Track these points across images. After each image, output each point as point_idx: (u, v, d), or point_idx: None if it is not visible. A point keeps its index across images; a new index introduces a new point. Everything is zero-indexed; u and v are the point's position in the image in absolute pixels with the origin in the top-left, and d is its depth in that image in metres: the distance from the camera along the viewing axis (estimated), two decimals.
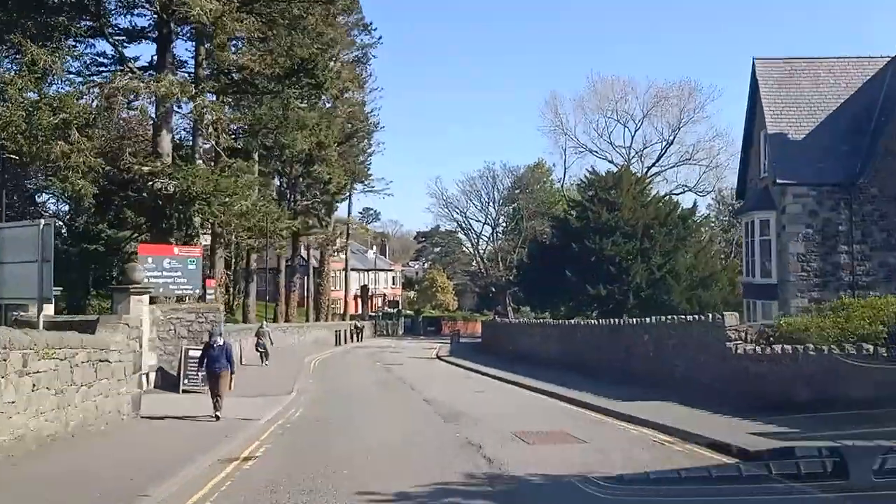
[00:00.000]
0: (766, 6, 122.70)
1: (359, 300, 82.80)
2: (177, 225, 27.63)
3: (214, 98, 29.72)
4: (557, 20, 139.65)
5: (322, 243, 60.08)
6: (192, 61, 30.16)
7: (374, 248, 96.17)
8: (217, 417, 14.69)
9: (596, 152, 68.50)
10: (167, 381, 20.77)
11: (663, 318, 20.80)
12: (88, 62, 28.58)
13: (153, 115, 28.05)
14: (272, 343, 32.92)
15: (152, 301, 21.70)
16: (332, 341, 53.12)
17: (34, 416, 10.26)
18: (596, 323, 27.32)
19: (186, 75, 29.28)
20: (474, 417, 15.61)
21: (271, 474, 9.84)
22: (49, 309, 17.41)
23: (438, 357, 41.12)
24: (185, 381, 20.28)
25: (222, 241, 38.80)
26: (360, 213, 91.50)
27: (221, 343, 15.13)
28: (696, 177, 67.91)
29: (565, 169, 76.49)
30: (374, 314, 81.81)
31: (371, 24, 52.64)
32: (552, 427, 13.91)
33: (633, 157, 66.98)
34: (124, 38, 28.88)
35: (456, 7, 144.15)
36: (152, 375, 20.57)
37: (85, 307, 32.12)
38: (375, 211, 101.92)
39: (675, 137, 66.86)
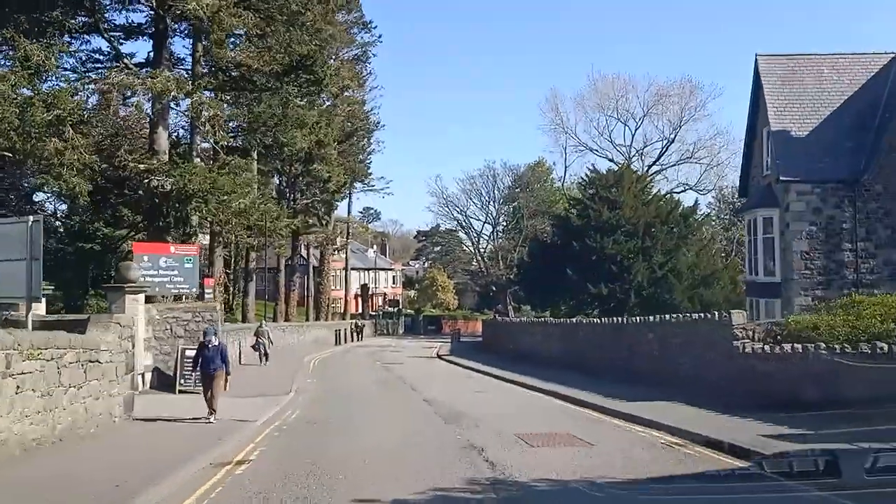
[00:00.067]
0: (766, 6, 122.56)
1: (359, 299, 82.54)
2: (174, 223, 27.27)
3: (212, 95, 29.37)
4: (557, 20, 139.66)
5: (322, 242, 59.78)
6: (189, 58, 29.83)
7: (375, 247, 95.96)
8: (212, 419, 14.34)
9: (596, 151, 68.22)
10: (163, 382, 20.48)
11: (668, 316, 20.48)
12: (84, 59, 28.31)
13: (149, 112, 27.68)
14: (272, 343, 32.61)
15: (148, 300, 21.41)
16: (332, 340, 52.87)
17: (18, 420, 9.88)
18: (598, 322, 26.98)
19: (184, 72, 28.95)
20: (475, 418, 15.26)
21: (264, 479, 9.47)
22: (41, 308, 17.10)
23: (439, 356, 40.88)
24: (182, 381, 19.99)
25: (221, 239, 38.50)
26: (361, 212, 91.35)
27: (216, 343, 14.77)
28: (697, 175, 67.69)
29: (566, 167, 76.38)
30: (374, 313, 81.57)
31: (371, 22, 52.43)
32: (556, 428, 13.52)
33: (634, 155, 66.70)
34: (120, 34, 28.55)
35: (456, 7, 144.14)
36: (148, 376, 20.27)
37: (83, 307, 31.79)
38: (376, 210, 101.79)
39: (675, 136, 66.60)
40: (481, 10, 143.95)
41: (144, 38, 29.06)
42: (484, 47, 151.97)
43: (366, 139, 60.53)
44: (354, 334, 59.29)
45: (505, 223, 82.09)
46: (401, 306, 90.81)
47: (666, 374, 18.74)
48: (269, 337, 32.25)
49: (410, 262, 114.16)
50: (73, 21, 26.05)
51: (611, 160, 64.47)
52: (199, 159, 30.03)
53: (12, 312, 17.54)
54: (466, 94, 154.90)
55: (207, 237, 38.61)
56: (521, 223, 75.72)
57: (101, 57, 28.34)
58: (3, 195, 35.09)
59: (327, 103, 46.07)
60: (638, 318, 22.47)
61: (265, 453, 11.53)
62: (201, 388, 14.97)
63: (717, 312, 17.60)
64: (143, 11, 28.01)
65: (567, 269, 45.13)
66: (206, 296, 29.22)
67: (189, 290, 23.72)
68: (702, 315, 18.60)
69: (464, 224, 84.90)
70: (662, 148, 67.46)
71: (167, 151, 27.54)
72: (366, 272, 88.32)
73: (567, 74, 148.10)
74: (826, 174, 26.20)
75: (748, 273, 30.96)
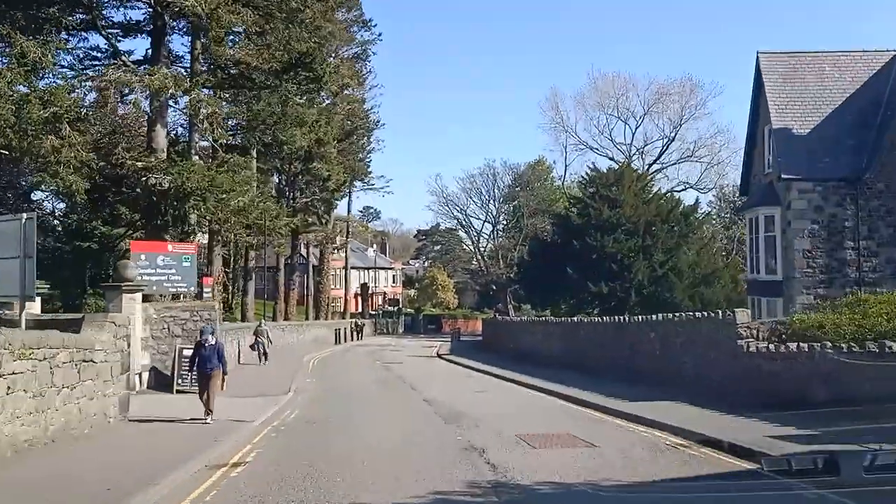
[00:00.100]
0: (766, 6, 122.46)
1: (359, 298, 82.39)
2: (172, 222, 27.07)
3: (211, 93, 29.17)
4: (557, 20, 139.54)
5: (322, 241, 59.61)
6: (188, 56, 29.62)
7: (375, 246, 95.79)
8: (209, 420, 14.13)
9: (597, 149, 68.01)
10: (161, 382, 20.29)
11: (670, 315, 20.28)
12: (82, 56, 28.02)
13: (147, 110, 27.48)
14: (271, 342, 32.44)
15: (146, 299, 21.22)
16: (332, 340, 52.72)
17: (9, 421, 9.66)
18: (600, 321, 26.79)
19: (182, 70, 28.73)
20: (476, 418, 15.05)
21: (260, 482, 9.25)
22: (35, 307, 16.88)
23: (439, 355, 40.77)
24: (179, 381, 19.80)
25: (220, 238, 38.31)
26: (361, 211, 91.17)
27: (213, 342, 14.54)
28: (698, 174, 67.52)
29: (566, 166, 76.04)
30: (374, 312, 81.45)
31: (371, 20, 52.23)
32: (557, 429, 13.30)
33: (634, 153, 66.50)
34: (118, 31, 28.33)
35: (456, 7, 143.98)
36: (145, 375, 20.11)
37: (81, 306, 31.63)
38: (375, 209, 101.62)
39: (676, 134, 66.43)
40: (481, 10, 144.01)
41: (143, 35, 28.89)
42: (484, 47, 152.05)
43: (365, 138, 60.37)
44: (354, 333, 59.14)
45: (505, 222, 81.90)
46: (401, 305, 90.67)
47: (668, 374, 18.57)
48: (268, 336, 32.06)
49: (410, 262, 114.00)
50: (70, 18, 25.82)
51: (611, 159, 64.36)
52: (197, 158, 29.79)
53: (6, 311, 17.30)
54: (466, 94, 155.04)
55: (206, 236, 38.44)
56: (522, 222, 75.52)
57: (99, 54, 28.13)
58: (1, 193, 34.90)
59: (327, 101, 45.93)
60: (640, 317, 22.27)
61: (262, 455, 11.31)
62: (198, 388, 14.70)
63: (720, 311, 17.40)
64: (142, 8, 27.86)
65: (567, 268, 44.96)
66: (205, 295, 29.04)
67: (187, 289, 23.53)
68: (705, 314, 18.39)
69: (464, 223, 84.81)
70: (663, 146, 67.38)
71: (165, 149, 27.33)
72: (366, 271, 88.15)
73: (567, 74, 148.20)
74: (828, 172, 26.06)
75: (749, 272, 30.82)
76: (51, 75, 24.70)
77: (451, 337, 54.89)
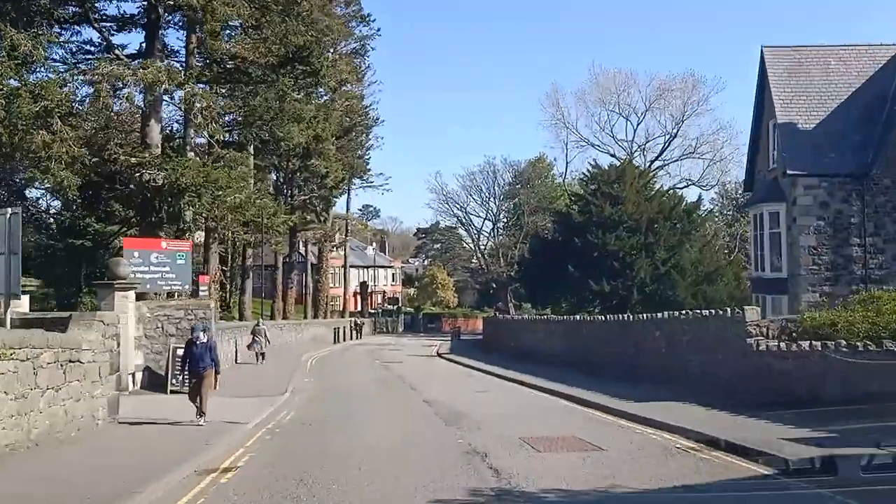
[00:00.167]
0: (766, 5, 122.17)
1: (358, 297, 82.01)
2: (167, 219, 26.68)
3: (207, 87, 28.73)
4: (558, 20, 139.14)
5: (320, 239, 59.16)
6: (184, 51, 29.20)
7: (374, 244, 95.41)
8: (201, 421, 13.64)
9: (598, 146, 67.39)
10: (154, 382, 19.88)
11: (677, 313, 19.92)
12: (75, 50, 27.78)
13: (141, 104, 27.04)
14: (269, 342, 32.02)
15: (140, 297, 20.80)
16: (331, 339, 52.35)
17: None
18: (603, 319, 26.39)
19: (178, 65, 28.30)
20: (477, 420, 14.61)
21: (250, 490, 8.76)
22: (23, 305, 16.41)
23: (439, 354, 40.45)
24: (173, 381, 19.35)
25: (216, 236, 37.86)
26: (360, 209, 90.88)
27: (205, 340, 14.06)
28: (700, 171, 66.93)
29: (567, 163, 75.41)
30: (373, 311, 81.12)
31: (369, 15, 51.57)
32: (562, 431, 12.83)
33: (636, 150, 65.87)
34: (112, 25, 27.99)
35: (456, 7, 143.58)
36: (139, 375, 19.71)
37: (77, 305, 31.14)
38: (375, 208, 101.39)
39: (678, 130, 65.75)
40: (481, 10, 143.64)
41: (137, 29, 28.55)
42: (484, 47, 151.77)
43: (364, 134, 59.88)
44: (353, 332, 58.78)
45: (505, 220, 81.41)
46: (400, 304, 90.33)
47: (674, 372, 18.22)
48: (266, 335, 31.64)
49: (410, 260, 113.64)
50: (62, 11, 25.49)
51: (612, 155, 63.82)
52: (193, 154, 29.33)
53: None
54: (466, 94, 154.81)
55: (203, 234, 37.99)
56: (522, 220, 75.05)
57: (92, 48, 27.88)
58: None
59: (325, 97, 45.46)
60: (644, 316, 21.86)
61: (255, 459, 10.81)
62: (189, 388, 14.19)
63: (729, 309, 16.97)
64: (136, 2, 27.56)
65: (568, 266, 44.47)
66: (202, 293, 28.61)
67: (181, 287, 23.10)
68: (713, 312, 17.97)
69: (464, 221, 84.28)
70: (665, 143, 66.74)
71: (160, 145, 26.94)
72: (365, 270, 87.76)
73: (567, 74, 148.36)
74: (833, 168, 25.73)
75: (753, 269, 30.48)
76: (43, 69, 24.35)
77: (451, 336, 54.50)
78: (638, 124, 66.90)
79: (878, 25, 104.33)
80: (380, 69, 71.65)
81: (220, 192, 26.76)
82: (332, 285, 67.23)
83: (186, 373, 14.31)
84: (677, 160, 67.00)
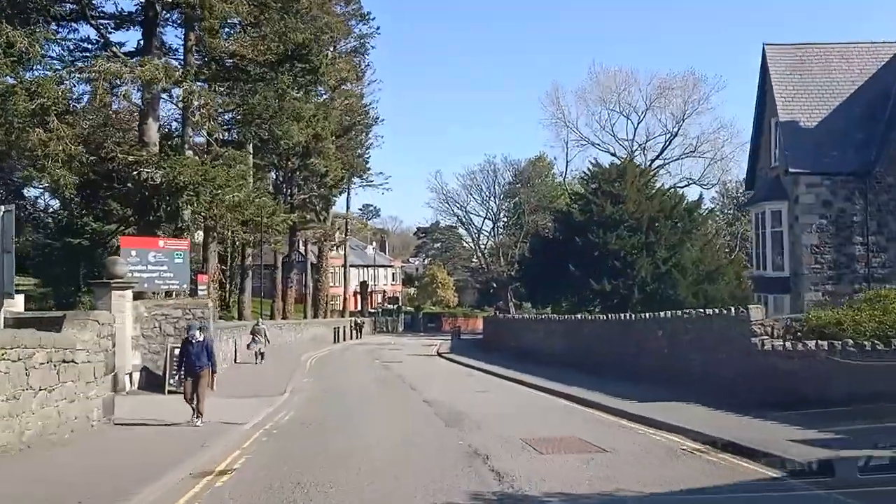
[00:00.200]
0: (766, 5, 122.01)
1: (358, 296, 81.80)
2: (165, 217, 26.44)
3: (205, 85, 28.50)
4: (558, 20, 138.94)
5: (320, 238, 58.93)
6: (182, 49, 28.97)
7: (374, 244, 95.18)
8: (198, 422, 13.44)
9: (598, 145, 67.04)
10: (152, 382, 19.69)
11: (679, 312, 19.73)
12: (72, 48, 27.40)
13: (139, 102, 26.82)
14: (268, 341, 31.84)
15: (137, 297, 20.60)
16: (331, 338, 52.17)
17: None
18: (605, 318, 26.21)
19: (176, 63, 28.08)
20: (477, 420, 14.40)
21: (246, 493, 8.55)
22: (18, 304, 16.19)
23: (439, 354, 40.29)
24: (171, 381, 19.10)
25: (215, 235, 37.65)
26: (360, 209, 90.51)
27: (201, 339, 13.84)
28: (701, 170, 66.65)
29: (567, 162, 75.09)
30: (373, 311, 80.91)
31: (369, 13, 51.28)
32: (564, 432, 12.62)
33: (637, 149, 65.48)
34: (109, 22, 27.66)
35: (456, 7, 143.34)
36: (136, 375, 19.51)
37: (75, 304, 30.95)
38: (375, 207, 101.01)
39: (679, 129, 65.40)
40: (481, 10, 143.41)
41: (135, 27, 28.19)
42: (484, 47, 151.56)
43: (364, 133, 59.63)
44: (353, 332, 58.58)
45: (506, 219, 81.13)
46: (400, 304, 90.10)
47: (675, 372, 18.04)
48: (265, 335, 31.47)
49: (410, 259, 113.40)
50: (59, 8, 25.22)
51: (613, 154, 63.49)
52: (191, 153, 29.11)
53: None
54: (466, 94, 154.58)
55: (202, 233, 37.79)
56: (522, 219, 74.78)
57: (90, 46, 27.51)
58: None
59: (325, 96, 45.24)
60: (646, 315, 21.66)
61: (251, 461, 10.60)
62: (184, 389, 13.91)
63: (733, 308, 16.74)
64: None
65: (569, 265, 44.24)
66: (200, 292, 28.42)
67: (179, 287, 22.90)
68: (716, 311, 17.78)
69: (464, 220, 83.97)
70: (665, 142, 66.40)
71: (157, 143, 26.68)
72: (365, 269, 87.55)
73: (567, 74, 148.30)
74: (836, 166, 25.56)
75: (755, 268, 30.33)
76: (39, 66, 24.05)
77: (452, 335, 54.28)
78: (638, 123, 66.64)
79: (879, 25, 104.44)
80: (380, 69, 71.40)
81: (219, 191, 26.51)
82: (331, 285, 67.02)
83: (182, 372, 14.01)
84: (678, 159, 66.77)
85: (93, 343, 12.55)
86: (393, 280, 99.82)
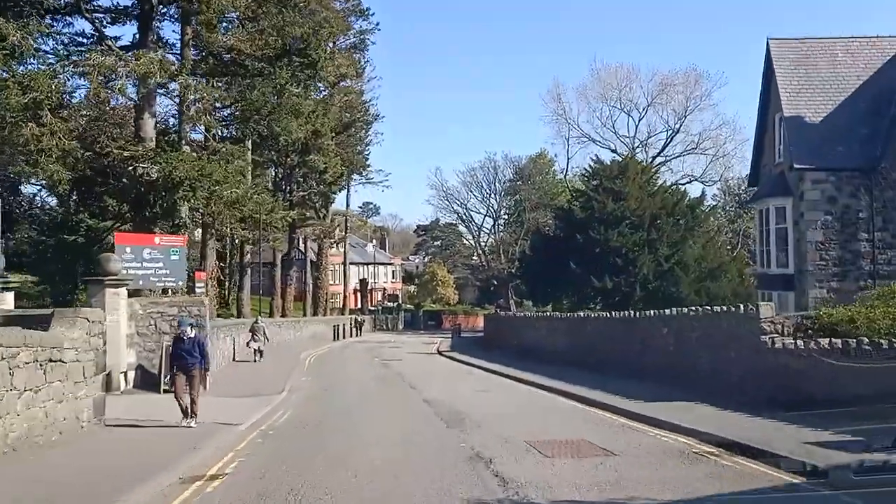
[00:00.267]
0: (766, 5, 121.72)
1: (358, 294, 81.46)
2: (162, 214, 26.05)
3: (203, 80, 28.12)
4: (558, 20, 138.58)
5: (319, 236, 58.55)
6: (179, 43, 28.58)
7: (374, 241, 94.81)
8: (192, 423, 13.02)
9: (599, 142, 66.61)
10: (147, 381, 19.30)
11: (685, 309, 19.35)
12: (66, 42, 27.00)
13: (134, 96, 26.43)
14: (267, 339, 31.49)
15: (133, 294, 20.20)
16: (330, 336, 51.85)
17: None
18: (608, 315, 25.82)
19: (172, 57, 27.69)
20: (479, 421, 14.00)
21: (238, 500, 8.13)
22: (8, 302, 15.81)
23: (439, 352, 39.95)
24: (166, 380, 18.68)
25: (213, 232, 37.25)
26: (360, 207, 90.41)
27: (192, 335, 13.39)
28: (703, 166, 66.26)
29: (568, 159, 74.97)
30: (373, 308, 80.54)
31: (368, 9, 50.92)
32: (570, 434, 12.20)
33: (638, 146, 65.07)
34: (105, 16, 27.27)
35: (456, 7, 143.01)
36: (131, 374, 19.14)
37: (72, 302, 30.54)
38: (375, 205, 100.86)
39: (680, 126, 64.99)
40: (481, 10, 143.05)
41: (130, 21, 27.82)
42: (484, 47, 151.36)
43: (364, 130, 59.26)
44: (353, 330, 58.26)
45: (506, 216, 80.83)
46: (400, 301, 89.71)
47: (682, 370, 17.64)
48: (265, 333, 31.13)
49: (410, 257, 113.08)
50: (53, 1, 24.77)
51: (614, 151, 63.07)
52: (188, 149, 28.71)
53: None
54: (466, 94, 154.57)
55: (200, 230, 37.42)
56: (523, 216, 74.44)
57: (85, 40, 27.13)
58: None
59: (324, 92, 44.87)
60: (651, 312, 21.27)
61: (244, 465, 10.17)
62: (175, 388, 13.41)
63: (742, 305, 16.33)
64: None
65: (570, 263, 43.81)
66: (198, 290, 27.99)
67: (175, 284, 22.48)
68: (724, 308, 17.36)
69: (464, 217, 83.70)
70: (667, 139, 65.97)
71: (154, 138, 26.29)
72: (365, 267, 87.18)
73: (567, 74, 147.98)
74: (841, 161, 25.26)
75: (759, 265, 29.99)
76: (33, 60, 23.68)
77: (452, 333, 53.83)
78: (640, 120, 66.24)
79: (879, 25, 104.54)
80: (380, 69, 71.80)
81: (217, 187, 26.13)
82: (331, 282, 66.65)
83: (174, 371, 13.49)
84: (679, 156, 66.39)
85: (82, 341, 12.14)
86: (393, 278, 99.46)
